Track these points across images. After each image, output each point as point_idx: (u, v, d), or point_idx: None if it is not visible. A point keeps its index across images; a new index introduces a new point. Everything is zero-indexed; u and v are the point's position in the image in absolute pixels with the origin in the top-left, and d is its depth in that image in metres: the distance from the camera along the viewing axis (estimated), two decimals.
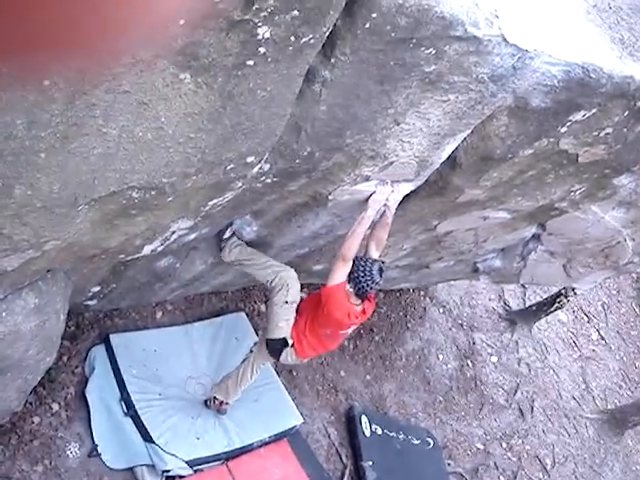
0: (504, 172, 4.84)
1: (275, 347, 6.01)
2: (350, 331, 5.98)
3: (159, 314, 7.74)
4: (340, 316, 5.45)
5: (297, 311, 5.85)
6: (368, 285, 5.20)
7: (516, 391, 10.70)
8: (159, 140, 3.15)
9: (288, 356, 6.00)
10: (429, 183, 4.95)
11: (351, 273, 5.20)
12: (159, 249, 4.71)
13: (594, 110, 4.33)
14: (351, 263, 5.16)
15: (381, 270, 5.26)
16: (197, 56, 2.82)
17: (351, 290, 5.27)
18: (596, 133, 4.62)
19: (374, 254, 5.33)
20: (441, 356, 10.24)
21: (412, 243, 6.54)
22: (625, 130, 4.69)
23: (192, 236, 4.87)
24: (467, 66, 3.69)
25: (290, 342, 5.86)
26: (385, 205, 4.93)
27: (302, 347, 5.90)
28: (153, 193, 3.52)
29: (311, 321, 5.76)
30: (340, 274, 5.22)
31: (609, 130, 4.62)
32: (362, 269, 5.17)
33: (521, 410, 10.57)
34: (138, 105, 2.90)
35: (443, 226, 6.01)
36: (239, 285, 7.92)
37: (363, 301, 5.46)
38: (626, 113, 4.49)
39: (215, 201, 4.13)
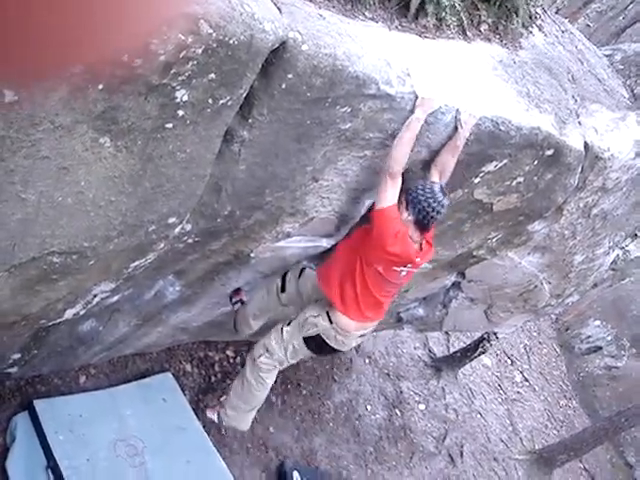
0: None
1: (314, 345, 5.02)
2: (404, 278, 4.72)
3: (82, 378, 7.57)
4: (395, 248, 4.35)
5: (331, 264, 4.87)
6: (431, 207, 4.23)
7: (445, 437, 10.75)
8: (79, 204, 3.13)
9: (334, 334, 4.88)
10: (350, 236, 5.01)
11: (407, 197, 4.28)
12: (81, 313, 4.63)
13: (505, 160, 4.49)
14: (400, 180, 4.16)
15: (443, 190, 4.30)
16: (116, 120, 2.83)
17: (410, 218, 4.32)
18: (508, 182, 4.78)
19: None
20: (369, 407, 10.25)
21: None
22: (536, 178, 4.87)
23: (115, 298, 4.81)
24: (382, 123, 3.80)
25: (326, 320, 4.83)
26: (459, 121, 4.09)
27: (347, 303, 4.73)
28: (74, 257, 3.48)
29: (358, 265, 4.61)
30: (389, 194, 4.18)
31: (520, 179, 4.79)
32: (421, 190, 4.25)
33: (451, 456, 10.61)
34: (58, 170, 2.89)
35: None
36: (164, 345, 7.82)
37: (423, 234, 4.47)
38: (535, 162, 4.66)
39: (137, 263, 4.11)
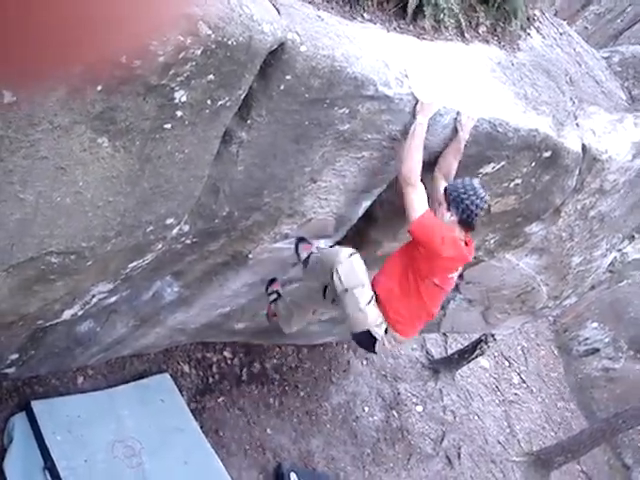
0: None
1: (363, 341, 4.75)
2: (453, 281, 4.65)
3: (80, 379, 7.57)
4: (449, 252, 4.22)
5: (380, 283, 4.59)
6: (474, 204, 4.11)
7: (442, 439, 10.75)
8: (78, 204, 3.14)
9: (386, 342, 4.62)
10: (348, 238, 5.02)
11: (448, 198, 4.16)
12: (79, 313, 4.64)
13: (503, 162, 4.50)
14: (421, 185, 4.04)
15: (482, 185, 4.24)
16: (114, 120, 2.84)
17: (454, 219, 4.18)
18: (506, 184, 4.79)
19: (441, 187, 4.27)
20: (367, 408, 10.24)
21: None
22: (533, 180, 4.88)
23: (112, 299, 4.81)
24: (380, 124, 3.81)
25: (382, 330, 4.55)
26: (458, 123, 4.10)
27: (402, 322, 4.56)
28: (72, 258, 3.49)
29: (410, 278, 4.42)
30: (418, 202, 4.06)
31: (518, 181, 4.80)
32: (462, 188, 4.14)
33: (448, 458, 10.61)
34: (56, 170, 2.90)
35: None
36: (161, 346, 7.82)
37: (467, 232, 4.34)
38: (533, 164, 4.68)
39: (135, 263, 4.11)
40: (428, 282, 4.38)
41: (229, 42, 2.82)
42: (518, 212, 5.24)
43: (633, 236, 8.05)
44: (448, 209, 4.16)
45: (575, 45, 6.11)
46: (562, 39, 5.92)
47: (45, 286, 3.70)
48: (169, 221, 3.71)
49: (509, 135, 4.29)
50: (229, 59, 2.88)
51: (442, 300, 4.79)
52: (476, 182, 4.17)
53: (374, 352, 4.81)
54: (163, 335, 6.36)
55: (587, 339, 14.29)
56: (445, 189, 4.19)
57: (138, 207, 3.42)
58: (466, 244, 4.34)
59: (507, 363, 12.95)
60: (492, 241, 5.70)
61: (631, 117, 5.64)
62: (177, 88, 2.85)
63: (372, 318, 4.47)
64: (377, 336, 4.52)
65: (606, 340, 14.08)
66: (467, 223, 4.21)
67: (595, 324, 14.40)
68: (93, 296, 4.40)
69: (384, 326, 4.52)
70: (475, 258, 6.01)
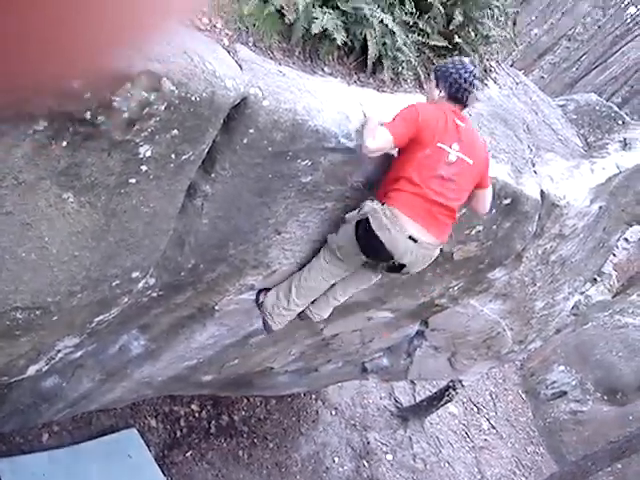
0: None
1: (363, 231, 3.99)
2: (455, 169, 3.98)
3: (45, 436, 7.45)
4: (425, 115, 3.84)
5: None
6: (463, 78, 3.94)
7: None
8: (43, 259, 3.13)
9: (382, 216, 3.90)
10: None
11: (436, 75, 4.02)
12: (44, 369, 4.59)
13: (464, 210, 4.57)
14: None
15: (473, 62, 4.07)
16: (80, 176, 2.86)
17: (443, 95, 3.98)
18: (468, 231, 4.86)
19: None
20: (337, 459, 10.18)
21: (300, 348, 6.58)
22: (494, 227, 4.96)
23: (78, 353, 4.77)
24: (342, 175, 3.87)
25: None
26: None
27: (398, 201, 3.91)
28: (38, 313, 3.47)
29: (399, 164, 3.96)
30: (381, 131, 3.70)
31: (480, 228, 4.88)
32: (450, 64, 4.00)
33: None
34: (21, 226, 2.89)
35: (329, 329, 6.09)
36: (128, 401, 7.73)
37: (459, 109, 4.05)
38: (494, 211, 4.76)
39: (101, 317, 4.09)
40: (416, 156, 3.87)
41: (192, 98, 2.86)
42: (480, 259, 5.31)
43: (595, 279, 8.15)
44: (437, 86, 4.01)
45: (531, 94, 6.27)
46: (518, 89, 6.07)
47: (10, 342, 3.67)
48: (135, 274, 3.71)
49: None
50: (193, 114, 2.93)
51: (445, 196, 3.97)
52: (466, 59, 4.05)
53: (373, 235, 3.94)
54: (130, 389, 6.30)
55: (554, 382, 14.38)
56: (434, 68, 4.10)
57: (104, 261, 3.42)
58: (460, 120, 4.03)
59: (476, 409, 12.98)
60: (456, 288, 5.76)
61: (587, 163, 5.77)
62: (141, 143, 2.88)
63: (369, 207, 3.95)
64: (373, 224, 3.91)
65: (573, 383, 14.17)
66: (456, 98, 3.99)
67: (562, 367, 14.51)
68: (59, 351, 4.37)
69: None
70: (438, 305, 6.07)
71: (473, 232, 4.90)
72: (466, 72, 3.94)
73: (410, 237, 3.91)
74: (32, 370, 4.46)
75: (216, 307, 4.71)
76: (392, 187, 3.93)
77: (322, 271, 4.43)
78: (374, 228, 3.88)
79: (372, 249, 4.04)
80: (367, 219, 3.91)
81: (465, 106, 4.08)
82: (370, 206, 3.93)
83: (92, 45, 0.63)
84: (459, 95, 3.97)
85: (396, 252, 3.90)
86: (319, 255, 4.43)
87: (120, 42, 0.66)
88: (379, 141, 3.66)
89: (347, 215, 4.14)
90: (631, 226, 7.06)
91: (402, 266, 4.08)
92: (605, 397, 13.66)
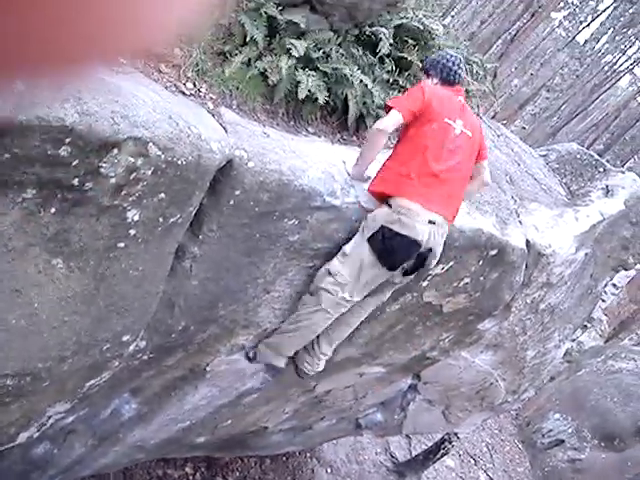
0: (374, 328, 5.01)
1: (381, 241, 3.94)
2: (460, 142, 4.08)
3: None
4: (428, 95, 3.96)
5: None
6: (450, 61, 4.17)
7: None
8: (33, 326, 3.14)
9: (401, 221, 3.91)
10: None
11: (425, 67, 4.25)
12: (35, 435, 4.55)
13: (451, 263, 4.61)
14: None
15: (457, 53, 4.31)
16: (69, 242, 2.88)
17: (436, 81, 4.17)
18: (456, 284, 4.90)
19: None
20: None
21: (293, 406, 6.54)
22: (482, 278, 4.99)
23: (70, 419, 4.74)
24: (329, 233, 3.90)
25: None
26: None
27: (403, 186, 3.92)
28: (28, 379, 3.46)
29: (406, 142, 4.06)
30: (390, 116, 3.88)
31: (467, 280, 4.91)
32: (436, 54, 4.27)
33: None
34: (11, 293, 2.91)
35: (322, 386, 6.07)
36: (121, 465, 7.63)
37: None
38: (481, 262, 4.80)
39: (92, 382, 4.08)
40: (423, 131, 3.98)
41: (179, 162, 2.90)
42: (470, 310, 5.33)
43: (586, 325, 8.19)
44: (428, 76, 4.21)
45: (513, 145, 6.37)
46: (500, 140, 6.17)
47: (0, 409, 3.65)
48: (125, 338, 3.71)
49: (455, 236, 4.42)
50: (179, 178, 2.97)
51: (453, 168, 4.06)
52: (450, 50, 4.33)
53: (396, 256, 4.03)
54: (122, 453, 6.23)
55: (550, 431, 14.28)
56: (422, 65, 4.35)
57: (94, 325, 3.42)
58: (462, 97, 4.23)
59: (473, 461, 12.85)
60: (447, 340, 5.77)
61: (571, 211, 5.84)
62: (129, 207, 2.91)
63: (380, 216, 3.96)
64: (392, 227, 3.91)
65: (569, 430, 14.08)
66: (449, 81, 4.17)
67: (557, 415, 14.43)
68: (50, 417, 4.34)
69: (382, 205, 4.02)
70: (429, 358, 6.07)
71: (461, 284, 4.93)
72: (452, 57, 4.19)
73: (429, 221, 3.95)
74: (23, 437, 4.42)
75: (207, 368, 4.69)
76: (399, 172, 3.94)
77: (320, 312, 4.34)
78: (397, 230, 3.89)
79: (399, 251, 4.01)
80: (382, 229, 3.90)
81: (456, 85, 4.23)
82: (380, 216, 3.92)
83: (94, 44, 0.65)
84: (451, 77, 4.17)
85: (423, 239, 3.94)
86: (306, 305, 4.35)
87: (121, 42, 0.68)
88: (388, 118, 3.84)
89: (353, 241, 4.05)
90: (618, 272, 7.10)
91: (423, 259, 4.09)
92: (602, 444, 13.56)
